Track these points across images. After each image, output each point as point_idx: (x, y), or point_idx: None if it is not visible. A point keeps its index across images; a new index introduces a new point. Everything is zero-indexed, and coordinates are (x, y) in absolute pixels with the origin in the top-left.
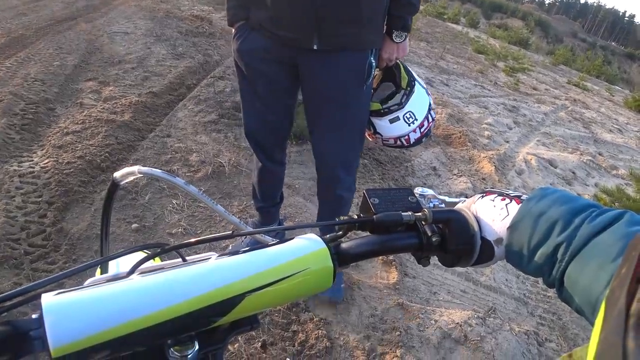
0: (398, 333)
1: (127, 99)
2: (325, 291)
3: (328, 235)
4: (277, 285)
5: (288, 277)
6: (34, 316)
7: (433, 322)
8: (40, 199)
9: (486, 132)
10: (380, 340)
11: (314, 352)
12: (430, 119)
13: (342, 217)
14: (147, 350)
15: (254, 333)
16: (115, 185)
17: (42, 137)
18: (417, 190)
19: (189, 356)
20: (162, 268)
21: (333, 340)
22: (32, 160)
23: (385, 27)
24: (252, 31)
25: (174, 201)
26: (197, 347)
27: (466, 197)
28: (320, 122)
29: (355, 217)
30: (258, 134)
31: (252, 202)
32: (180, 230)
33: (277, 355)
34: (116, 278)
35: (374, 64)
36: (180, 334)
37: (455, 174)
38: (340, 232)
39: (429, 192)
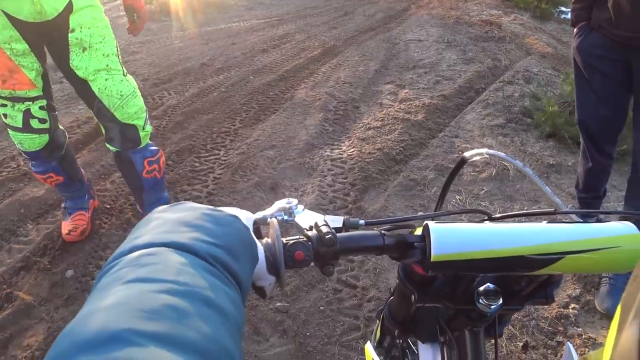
0: None
1: (420, 101)
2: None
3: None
4: (591, 254)
5: (601, 249)
6: (416, 234)
7: None
8: (345, 180)
9: None
10: None
11: None
12: None
13: None
14: (461, 296)
15: (517, 332)
16: (463, 161)
17: (349, 130)
18: None
19: (492, 306)
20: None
21: None
22: (341, 149)
23: None
24: (591, 31)
25: (457, 197)
26: (500, 302)
27: None
28: None
29: None
30: (590, 125)
31: (574, 191)
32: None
33: (536, 359)
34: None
35: None
36: (509, 271)
37: None
38: None
39: None
